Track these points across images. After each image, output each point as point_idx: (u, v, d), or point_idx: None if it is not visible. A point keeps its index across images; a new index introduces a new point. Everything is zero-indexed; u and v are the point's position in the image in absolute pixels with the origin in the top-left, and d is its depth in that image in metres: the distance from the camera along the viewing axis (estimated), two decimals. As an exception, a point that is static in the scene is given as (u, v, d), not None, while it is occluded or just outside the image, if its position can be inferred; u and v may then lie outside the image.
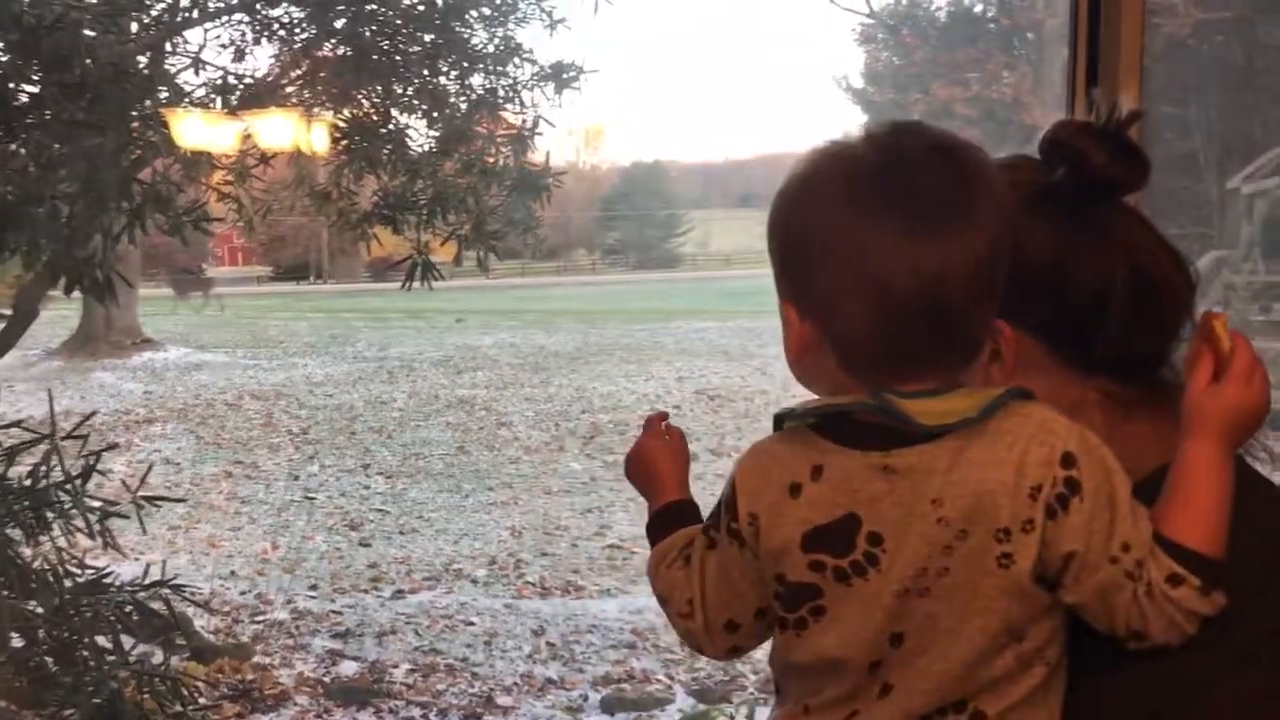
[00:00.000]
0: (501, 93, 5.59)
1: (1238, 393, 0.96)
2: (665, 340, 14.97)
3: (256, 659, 5.15)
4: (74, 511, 3.81)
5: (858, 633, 0.96)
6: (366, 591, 6.08)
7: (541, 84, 5.55)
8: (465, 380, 11.98)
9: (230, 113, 5.43)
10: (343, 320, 17.45)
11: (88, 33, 4.10)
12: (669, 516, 1.13)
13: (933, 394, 0.95)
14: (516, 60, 5.32)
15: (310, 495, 7.92)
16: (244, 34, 5.42)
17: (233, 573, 6.29)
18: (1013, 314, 1.00)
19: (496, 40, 5.39)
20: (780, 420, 1.02)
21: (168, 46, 5.00)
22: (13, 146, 4.04)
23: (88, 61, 4.01)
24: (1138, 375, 1.04)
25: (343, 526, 7.21)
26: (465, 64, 5.62)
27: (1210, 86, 12.43)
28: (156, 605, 3.93)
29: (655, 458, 1.18)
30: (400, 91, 5.67)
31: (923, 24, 16.05)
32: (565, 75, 5.16)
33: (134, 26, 4.92)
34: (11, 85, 3.94)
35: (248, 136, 5.53)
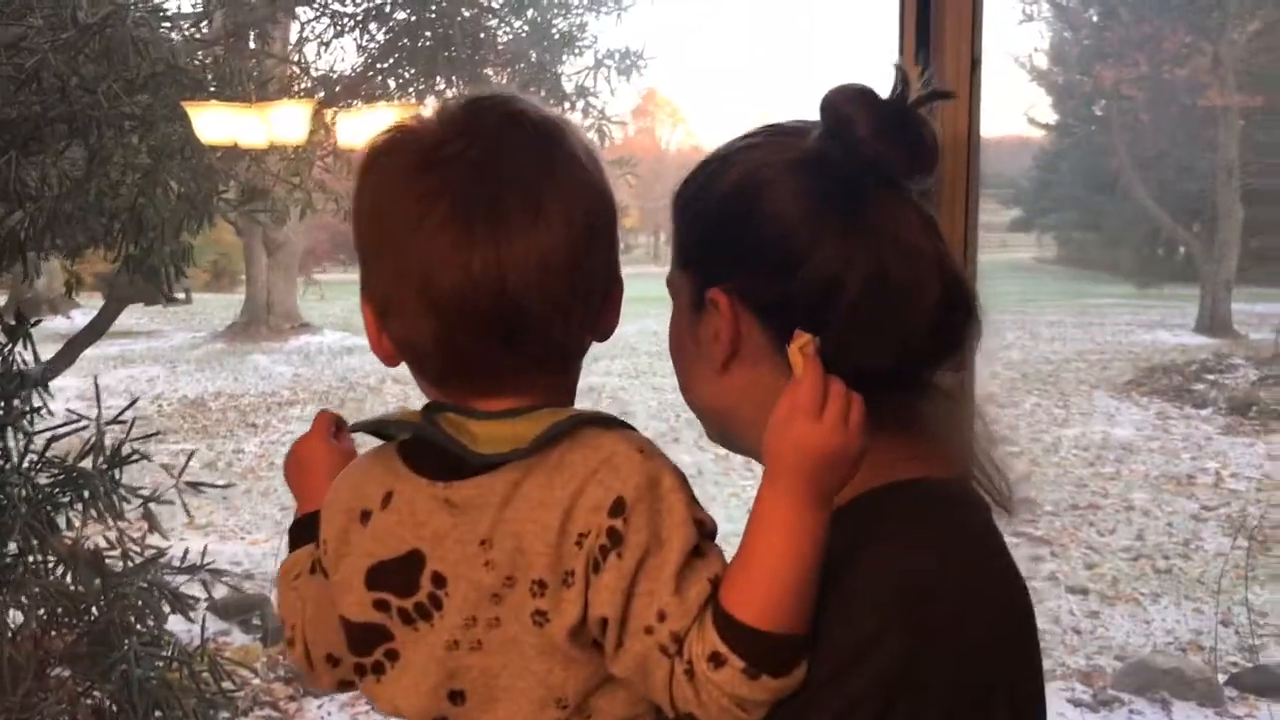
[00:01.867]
0: (583, 79, 5.54)
1: (806, 430, 0.77)
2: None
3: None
4: (123, 494, 3.96)
5: (418, 684, 0.84)
6: (449, 579, 6.12)
7: (628, 70, 5.47)
8: (599, 368, 11.97)
9: (319, 104, 5.54)
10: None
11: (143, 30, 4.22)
12: (307, 526, 1.01)
13: (511, 415, 0.82)
14: (588, 47, 5.27)
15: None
16: (329, 27, 5.52)
17: (327, 555, 6.42)
18: (742, 290, 0.88)
19: (567, 27, 5.34)
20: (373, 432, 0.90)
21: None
22: (73, 143, 4.18)
23: (143, 57, 4.12)
24: (876, 389, 0.84)
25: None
26: (549, 54, 5.59)
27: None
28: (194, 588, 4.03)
29: (315, 460, 1.04)
30: (486, 78, 5.67)
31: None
32: (632, 60, 5.06)
33: (216, 20, 5.06)
34: (69, 82, 4.06)
35: (335, 127, 5.64)
